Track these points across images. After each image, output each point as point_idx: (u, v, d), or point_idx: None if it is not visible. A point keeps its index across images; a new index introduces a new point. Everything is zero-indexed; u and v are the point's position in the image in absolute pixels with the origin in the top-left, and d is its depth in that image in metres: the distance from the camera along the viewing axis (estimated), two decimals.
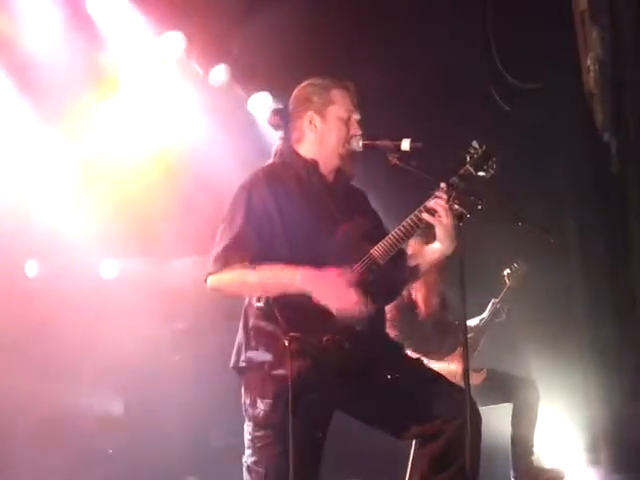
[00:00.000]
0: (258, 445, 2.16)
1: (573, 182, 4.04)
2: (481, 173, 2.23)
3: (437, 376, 2.27)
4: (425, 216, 2.20)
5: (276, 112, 2.37)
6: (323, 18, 3.66)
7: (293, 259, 2.12)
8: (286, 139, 2.36)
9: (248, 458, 2.20)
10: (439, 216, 2.18)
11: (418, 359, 2.32)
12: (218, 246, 2.17)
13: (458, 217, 2.10)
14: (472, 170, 2.22)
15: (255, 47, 3.97)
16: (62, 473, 4.02)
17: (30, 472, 4.00)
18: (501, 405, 3.53)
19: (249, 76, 4.23)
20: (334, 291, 2.04)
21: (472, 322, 3.51)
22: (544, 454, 3.63)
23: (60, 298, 4.30)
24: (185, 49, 3.94)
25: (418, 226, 2.21)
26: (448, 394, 2.16)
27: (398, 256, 2.26)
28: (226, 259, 2.13)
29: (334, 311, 2.04)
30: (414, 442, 2.79)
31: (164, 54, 3.92)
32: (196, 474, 4.18)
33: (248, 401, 2.19)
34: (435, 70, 3.90)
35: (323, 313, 2.08)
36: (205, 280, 2.18)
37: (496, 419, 3.40)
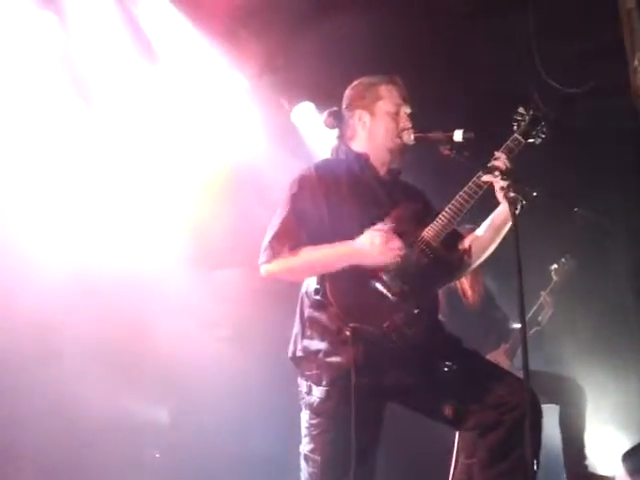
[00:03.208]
0: (314, 433, 2.19)
1: (622, 187, 3.98)
2: (531, 140, 2.21)
3: (495, 366, 2.29)
4: (487, 178, 2.17)
5: (330, 113, 2.46)
6: (368, 28, 3.72)
7: None
8: (341, 137, 2.45)
9: (305, 447, 2.23)
10: (500, 171, 2.14)
11: (475, 350, 2.31)
12: (267, 236, 2.26)
13: (514, 204, 2.09)
14: (521, 138, 2.22)
15: (300, 59, 4.07)
16: (106, 475, 4.08)
17: (76, 472, 4.07)
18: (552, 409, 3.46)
19: (293, 88, 4.33)
20: (378, 250, 2.13)
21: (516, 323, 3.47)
22: (598, 460, 3.53)
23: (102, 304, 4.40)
24: (231, 60, 4.06)
25: (478, 192, 2.19)
26: (507, 384, 2.16)
27: (452, 237, 2.28)
28: (273, 249, 2.22)
29: (383, 262, 2.11)
30: (458, 435, 2.78)
31: (211, 66, 4.04)
32: None
33: (304, 389, 2.22)
34: (479, 80, 3.92)
35: (379, 299, 2.12)
36: (259, 269, 2.27)
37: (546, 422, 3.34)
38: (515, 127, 2.20)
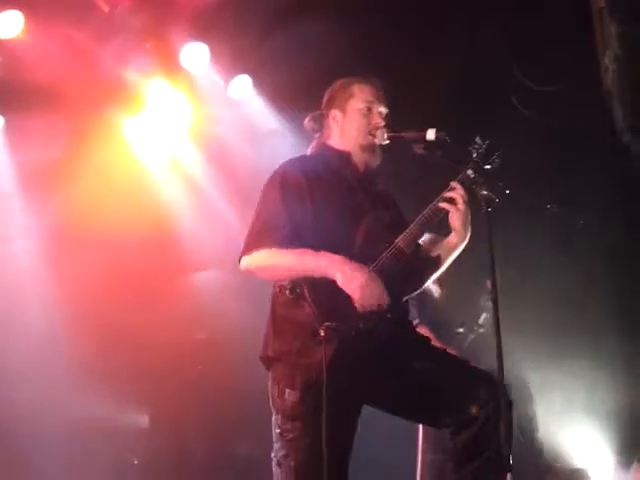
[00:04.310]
0: (287, 438, 2.14)
1: (593, 184, 4.02)
2: (487, 166, 2.27)
3: (467, 364, 2.26)
4: (443, 205, 2.26)
5: (311, 117, 2.46)
6: (349, 28, 3.71)
7: (319, 241, 2.15)
8: (319, 137, 2.46)
9: (277, 452, 2.17)
10: (455, 203, 2.24)
11: (445, 349, 2.30)
12: (251, 228, 2.22)
13: (487, 202, 2.11)
14: (477, 166, 2.26)
15: (275, 60, 4.04)
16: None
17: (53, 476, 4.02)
18: None
19: (269, 88, 4.30)
20: (359, 282, 2.07)
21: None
22: (574, 456, 3.57)
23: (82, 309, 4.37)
24: (209, 60, 4.02)
25: (437, 215, 2.26)
26: (479, 380, 2.15)
27: (417, 248, 2.30)
28: (258, 242, 2.16)
29: (356, 302, 2.07)
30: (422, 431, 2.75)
31: (188, 65, 4.00)
32: None
33: (276, 392, 2.17)
34: (456, 79, 3.93)
35: (353, 300, 2.09)
36: (239, 261, 2.21)
37: None
38: (474, 154, 2.24)
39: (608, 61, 3.36)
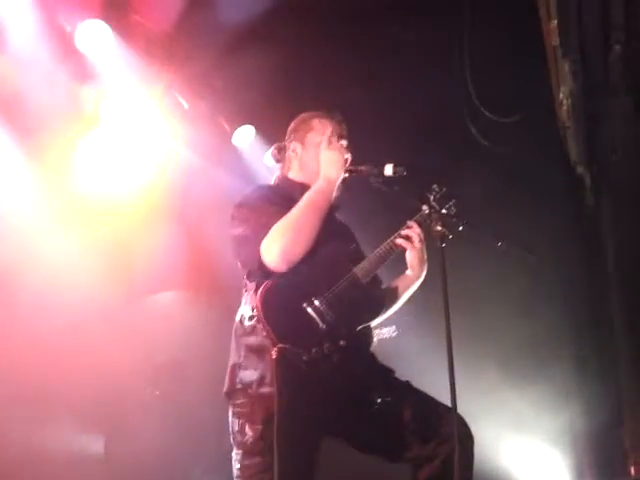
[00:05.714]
0: (247, 474, 2.12)
1: (548, 215, 4.13)
2: (444, 211, 2.34)
3: (428, 398, 2.26)
4: (400, 241, 2.31)
5: (277, 148, 2.48)
6: (309, 55, 3.76)
7: None
8: (281, 168, 2.48)
9: None
10: (412, 241, 2.31)
11: (407, 382, 2.31)
12: (246, 231, 2.20)
13: (440, 238, 2.16)
14: (437, 208, 2.33)
15: (240, 81, 4.05)
16: None
17: None
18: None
19: (234, 110, 4.30)
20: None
21: None
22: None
23: (37, 332, 4.24)
24: (170, 83, 4.00)
25: (394, 250, 2.31)
26: (440, 415, 2.15)
27: (375, 280, 2.33)
28: (262, 231, 2.14)
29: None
30: None
31: (149, 88, 3.96)
32: None
33: (236, 427, 2.15)
34: (416, 108, 4.01)
35: (310, 325, 2.09)
36: (258, 264, 2.15)
37: None
38: (431, 198, 2.32)
39: (563, 96, 3.47)
